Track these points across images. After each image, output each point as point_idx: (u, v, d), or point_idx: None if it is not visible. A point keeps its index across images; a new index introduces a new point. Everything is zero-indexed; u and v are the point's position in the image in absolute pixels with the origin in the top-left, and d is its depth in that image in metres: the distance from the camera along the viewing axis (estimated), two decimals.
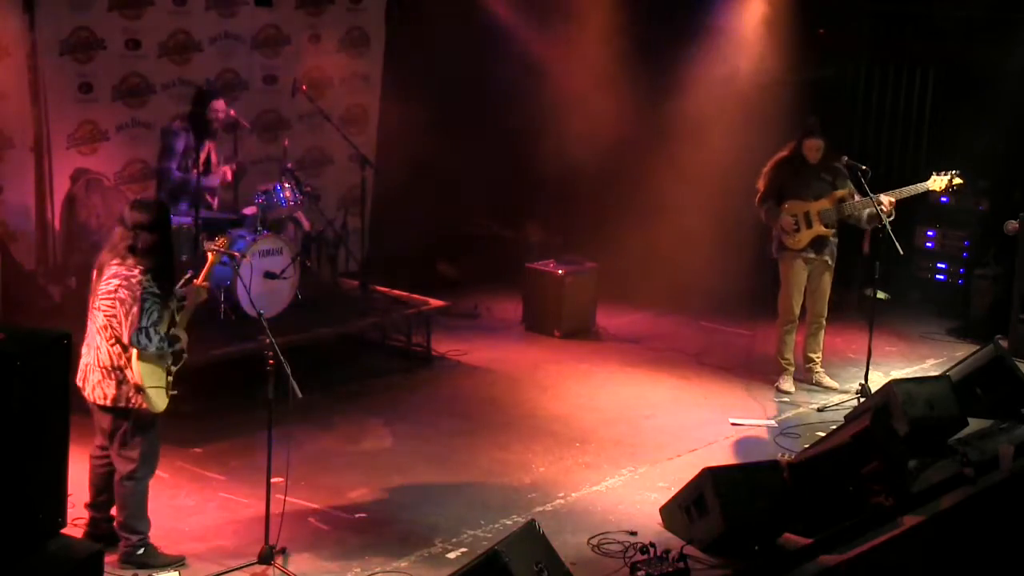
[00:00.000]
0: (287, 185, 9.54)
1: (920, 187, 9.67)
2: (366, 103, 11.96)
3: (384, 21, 11.94)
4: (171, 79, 10.50)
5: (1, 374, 5.27)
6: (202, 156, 9.46)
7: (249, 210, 9.64)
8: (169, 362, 6.58)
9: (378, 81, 11.99)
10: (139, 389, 6.46)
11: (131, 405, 6.51)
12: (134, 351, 6.42)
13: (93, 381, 6.53)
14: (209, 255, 6.92)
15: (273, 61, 11.21)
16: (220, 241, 6.99)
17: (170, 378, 6.58)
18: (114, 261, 6.49)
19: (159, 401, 6.53)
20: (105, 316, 6.48)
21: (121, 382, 6.49)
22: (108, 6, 10.14)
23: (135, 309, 6.39)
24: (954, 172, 9.59)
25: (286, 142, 9.92)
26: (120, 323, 6.42)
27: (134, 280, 6.42)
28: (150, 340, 6.41)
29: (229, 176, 9.82)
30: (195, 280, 6.84)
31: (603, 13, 12.09)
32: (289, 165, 9.68)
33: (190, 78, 10.41)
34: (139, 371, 6.44)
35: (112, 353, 6.49)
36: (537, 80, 12.05)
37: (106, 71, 10.19)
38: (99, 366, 6.51)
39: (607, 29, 12.05)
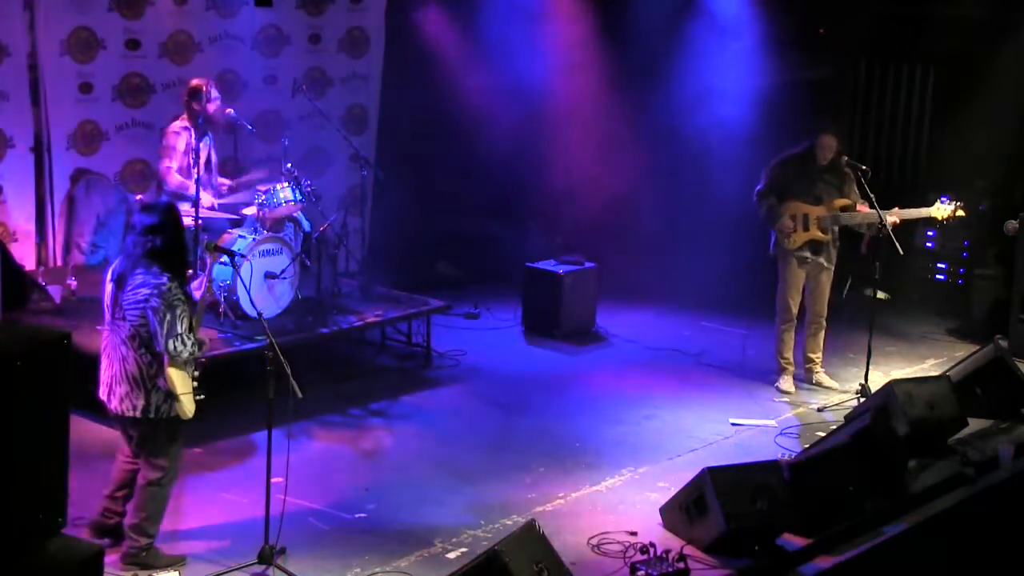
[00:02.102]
0: (286, 185, 9.54)
1: (924, 212, 9.67)
2: (366, 103, 11.97)
3: (384, 21, 11.95)
4: (171, 79, 10.51)
5: (1, 374, 5.27)
6: (203, 155, 9.46)
7: (249, 210, 9.64)
8: (192, 367, 6.59)
9: (378, 81, 12.00)
10: (172, 397, 6.45)
11: (161, 415, 6.50)
12: (166, 359, 6.41)
13: (120, 394, 6.49)
14: (209, 258, 6.93)
15: (273, 61, 11.22)
16: (216, 243, 7.02)
17: (195, 383, 6.59)
18: (138, 270, 6.45)
19: (190, 407, 6.53)
20: (133, 326, 6.44)
21: (151, 392, 6.47)
22: (108, 6, 10.14)
23: (169, 316, 6.36)
24: (959, 204, 9.59)
25: (286, 142, 9.91)
26: (155, 332, 6.38)
27: (164, 287, 6.39)
28: (184, 345, 6.41)
29: (224, 189, 9.79)
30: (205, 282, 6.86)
31: (603, 12, 12.10)
32: (289, 165, 9.68)
33: (190, 78, 10.39)
34: (172, 378, 6.44)
35: (141, 363, 6.46)
36: (538, 80, 12.05)
37: (106, 71, 10.19)
38: (126, 378, 6.48)
39: (607, 29, 12.06)
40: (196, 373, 6.60)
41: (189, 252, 6.77)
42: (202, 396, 6.62)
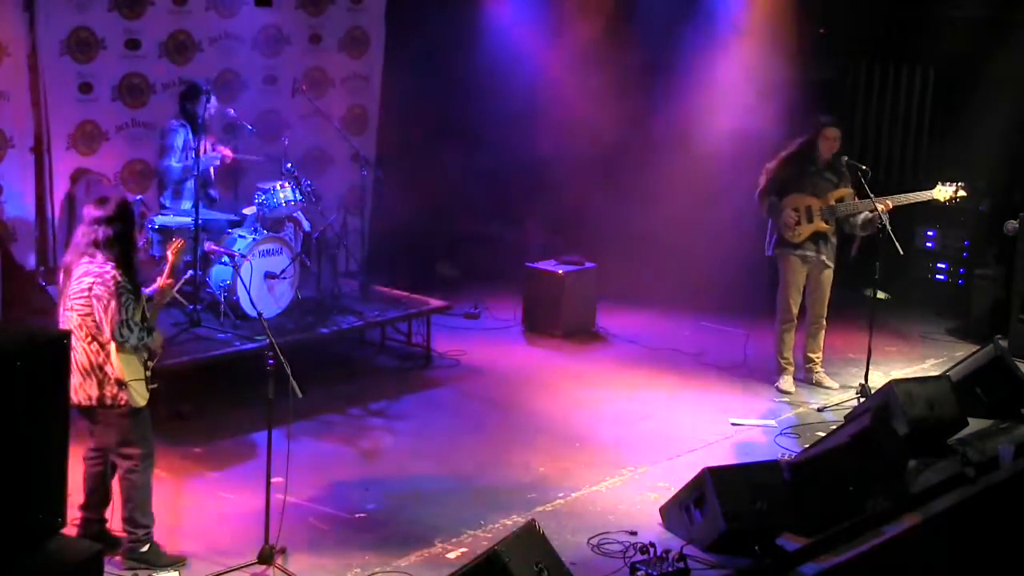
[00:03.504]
0: (286, 185, 9.55)
1: (924, 195, 9.66)
2: (366, 103, 11.97)
3: (384, 21, 11.95)
4: (171, 79, 10.50)
5: (1, 374, 5.27)
6: (202, 149, 9.45)
7: (249, 210, 9.65)
8: (145, 356, 6.58)
9: (378, 81, 12.00)
10: (121, 384, 6.45)
11: (117, 402, 6.49)
12: (112, 345, 6.41)
13: (75, 384, 6.46)
14: (169, 255, 6.93)
15: (273, 61, 11.21)
16: (178, 243, 6.99)
17: (148, 373, 6.58)
18: (83, 259, 6.48)
19: (141, 394, 6.52)
20: (80, 316, 6.45)
21: (102, 381, 6.47)
22: (108, 6, 10.14)
23: (113, 304, 6.38)
24: (960, 184, 9.58)
25: (286, 142, 9.92)
26: (99, 320, 6.40)
27: (107, 275, 6.41)
28: (131, 332, 6.41)
29: (229, 156, 9.77)
30: (163, 280, 6.85)
31: (604, 13, 12.10)
32: (289, 165, 9.68)
33: (190, 78, 10.40)
34: (119, 365, 6.43)
35: (90, 352, 6.46)
36: (539, 79, 12.05)
37: (106, 71, 10.19)
38: (78, 368, 6.47)
39: (608, 29, 12.06)
40: (151, 363, 6.59)
41: (136, 247, 6.75)
42: (155, 385, 6.61)
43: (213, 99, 9.47)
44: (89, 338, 6.46)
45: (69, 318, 6.49)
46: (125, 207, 6.61)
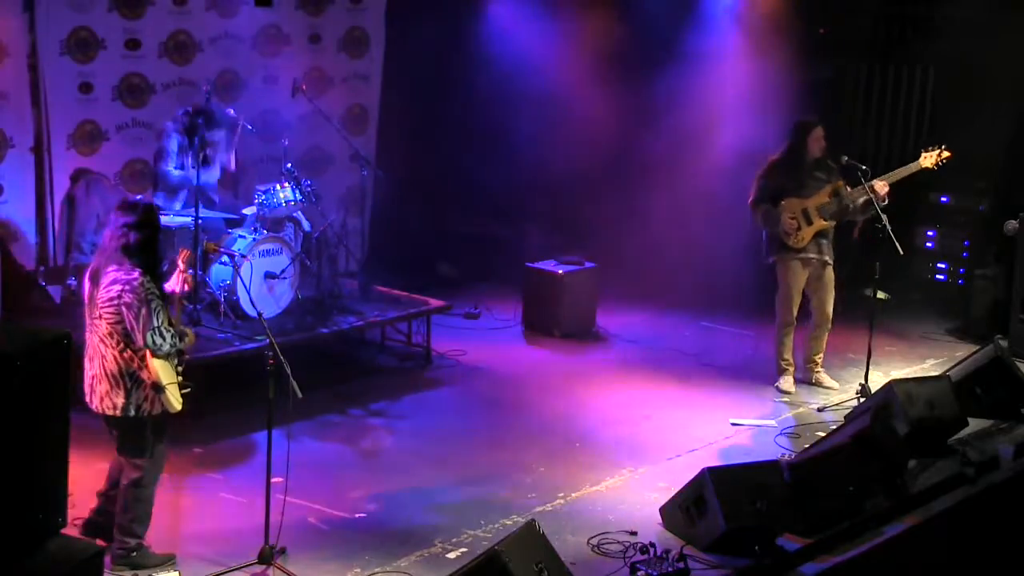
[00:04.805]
0: (287, 185, 9.55)
1: (913, 167, 9.65)
2: (366, 103, 11.97)
3: (384, 21, 11.95)
4: (171, 79, 10.52)
5: (1, 374, 5.27)
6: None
7: (249, 210, 9.65)
8: (175, 361, 6.58)
9: (378, 81, 12.00)
10: (158, 388, 6.43)
11: (142, 413, 6.48)
12: (148, 352, 6.40)
13: (101, 392, 6.48)
14: (180, 263, 6.91)
15: (273, 61, 11.22)
16: (185, 252, 6.99)
17: (180, 377, 6.57)
18: (110, 267, 6.45)
19: (176, 398, 6.51)
20: (109, 324, 6.42)
21: (131, 390, 6.45)
22: (108, 6, 10.15)
23: (144, 311, 6.35)
24: (941, 146, 9.58)
25: (286, 142, 9.92)
26: (131, 327, 6.37)
27: (135, 283, 6.38)
28: (164, 339, 6.40)
29: (232, 165, 9.79)
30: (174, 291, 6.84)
31: (602, 12, 12.10)
32: (289, 165, 9.69)
33: (190, 78, 10.42)
34: (155, 369, 6.42)
35: (121, 359, 6.44)
36: (537, 79, 12.05)
37: (106, 71, 10.20)
38: (107, 376, 6.46)
39: (607, 28, 12.06)
40: (180, 368, 6.58)
41: (163, 253, 6.75)
42: (189, 388, 6.61)
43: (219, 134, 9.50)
44: (121, 345, 6.43)
45: (98, 326, 6.46)
46: (152, 212, 6.61)
